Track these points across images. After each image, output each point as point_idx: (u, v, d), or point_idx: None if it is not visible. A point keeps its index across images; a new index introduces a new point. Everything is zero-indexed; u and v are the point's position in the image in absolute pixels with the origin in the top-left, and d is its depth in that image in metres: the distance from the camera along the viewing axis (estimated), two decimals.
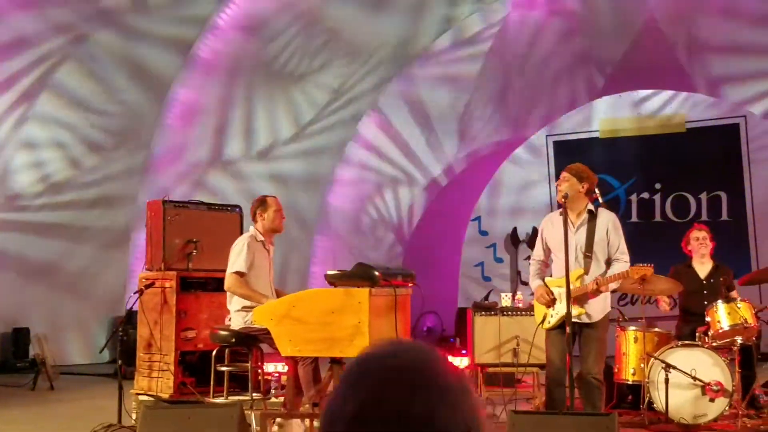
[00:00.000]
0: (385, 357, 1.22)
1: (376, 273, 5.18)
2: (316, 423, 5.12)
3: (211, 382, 6.07)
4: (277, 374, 7.23)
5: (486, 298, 11.43)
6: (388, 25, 11.01)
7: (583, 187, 5.62)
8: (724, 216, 12.14)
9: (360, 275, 5.24)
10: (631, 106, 12.66)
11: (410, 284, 5.77)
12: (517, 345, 7.15)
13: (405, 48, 11.32)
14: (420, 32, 11.23)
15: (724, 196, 12.16)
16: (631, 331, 6.96)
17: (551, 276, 5.87)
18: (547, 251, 5.84)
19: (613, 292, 10.98)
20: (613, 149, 12.68)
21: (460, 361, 9.56)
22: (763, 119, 11.77)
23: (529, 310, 6.87)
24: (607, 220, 5.72)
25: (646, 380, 6.56)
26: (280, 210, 6.21)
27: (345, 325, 5.03)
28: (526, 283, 8.65)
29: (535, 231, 9.83)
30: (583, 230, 5.65)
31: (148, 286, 6.54)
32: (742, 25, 10.75)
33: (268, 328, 5.32)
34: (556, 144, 12.93)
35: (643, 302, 7.45)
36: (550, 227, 5.80)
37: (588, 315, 5.58)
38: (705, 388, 6.39)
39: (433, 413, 1.16)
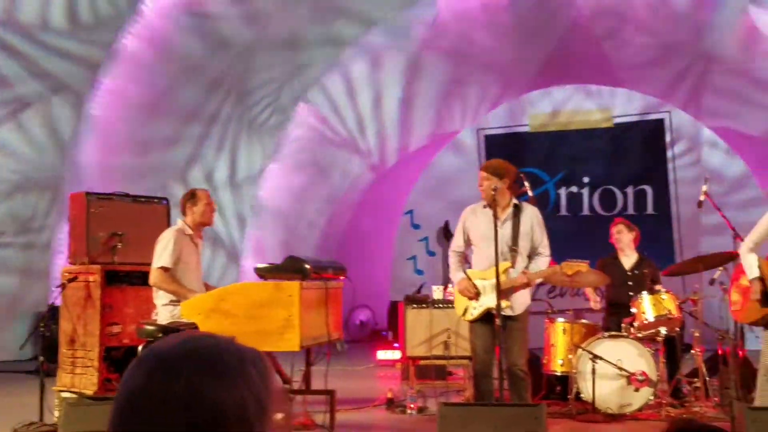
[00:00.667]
0: (165, 346, 1.27)
1: (307, 266, 5.14)
2: None
3: None
4: None
5: (419, 291, 11.44)
6: (318, 16, 10.93)
7: (505, 183, 5.66)
8: (650, 210, 12.41)
9: (290, 268, 5.18)
10: (560, 102, 12.83)
11: (341, 277, 5.74)
12: (449, 338, 7.17)
13: (336, 40, 11.25)
14: (351, 24, 11.18)
15: (649, 190, 12.43)
16: (560, 322, 7.05)
17: (470, 267, 5.89)
18: (468, 243, 5.85)
19: (542, 284, 11.18)
20: (542, 144, 12.84)
21: (392, 354, 9.61)
22: (686, 115, 12.07)
23: None
24: (531, 214, 5.77)
25: (574, 371, 6.65)
26: (210, 203, 6.10)
27: (275, 319, 4.97)
28: None
29: None
30: (509, 224, 5.68)
31: (71, 280, 6.36)
32: (668, 23, 10.99)
33: (196, 323, 5.22)
34: (487, 138, 13.03)
35: (572, 294, 7.56)
36: (473, 219, 5.80)
37: (512, 308, 5.62)
38: (630, 378, 6.51)
39: (203, 391, 1.21)
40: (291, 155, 12.19)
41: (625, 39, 11.41)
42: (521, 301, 5.71)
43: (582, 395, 6.60)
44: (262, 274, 5.27)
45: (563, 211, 12.80)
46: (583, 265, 5.69)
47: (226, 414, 1.22)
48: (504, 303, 5.52)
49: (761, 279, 5.62)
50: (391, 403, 6.97)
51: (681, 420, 2.06)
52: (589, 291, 7.48)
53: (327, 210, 12.88)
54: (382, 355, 9.93)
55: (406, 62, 11.80)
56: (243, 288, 5.47)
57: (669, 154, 12.30)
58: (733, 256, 6.70)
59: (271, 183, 11.99)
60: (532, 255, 5.74)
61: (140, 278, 6.49)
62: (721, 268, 7.04)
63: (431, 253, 12.99)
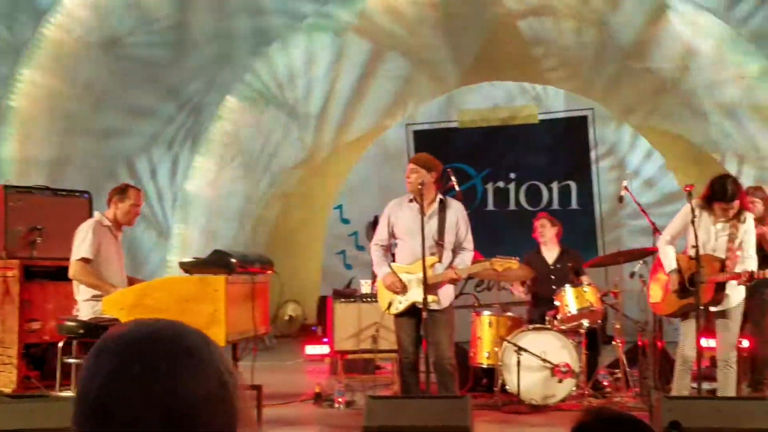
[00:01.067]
0: (124, 332, 1.25)
1: (233, 260, 5.09)
2: None
3: (58, 376, 5.79)
4: None
5: (348, 285, 11.45)
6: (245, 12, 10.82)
7: (432, 177, 5.71)
8: (574, 205, 12.65)
9: (216, 262, 5.13)
10: (488, 98, 12.98)
11: (269, 271, 5.71)
12: (377, 331, 7.21)
13: (261, 33, 11.14)
14: (278, 17, 11.08)
15: (573, 185, 12.67)
16: (486, 315, 7.14)
17: (393, 261, 5.92)
18: (392, 236, 5.89)
19: (470, 278, 11.27)
20: (470, 139, 12.97)
21: (321, 349, 9.59)
22: (609, 112, 12.34)
23: None
24: (457, 210, 5.83)
25: (500, 363, 6.76)
26: (137, 205, 5.99)
27: (201, 314, 4.92)
28: None
29: None
30: (435, 219, 5.74)
31: None
32: (591, 23, 11.20)
33: (118, 318, 5.12)
34: (416, 133, 13.10)
35: (499, 288, 7.68)
36: (398, 212, 5.84)
37: (438, 302, 5.67)
38: (554, 369, 6.64)
39: (175, 378, 1.19)
40: (218, 148, 12.05)
41: (550, 38, 11.62)
42: (447, 294, 5.77)
43: (507, 387, 6.71)
44: (187, 268, 5.21)
45: (490, 206, 12.96)
46: (513, 262, 5.79)
47: (205, 397, 1.21)
48: (431, 297, 5.57)
49: (679, 272, 5.79)
50: (318, 398, 6.97)
51: (595, 408, 2.11)
52: (515, 284, 7.61)
53: (255, 204, 12.77)
54: (311, 349, 9.91)
55: (333, 57, 11.77)
56: (167, 282, 5.40)
57: (592, 150, 12.56)
58: (651, 252, 6.89)
59: (198, 176, 11.84)
60: (456, 250, 5.80)
61: (60, 273, 6.34)
62: (640, 261, 7.24)
63: (360, 248, 12.99)
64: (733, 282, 5.60)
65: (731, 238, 5.55)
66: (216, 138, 11.81)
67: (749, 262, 5.53)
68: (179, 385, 1.19)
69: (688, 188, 5.71)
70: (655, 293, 6.11)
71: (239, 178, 12.37)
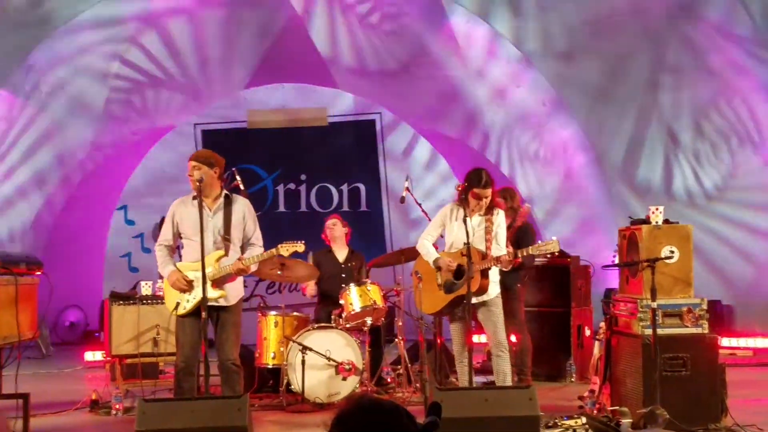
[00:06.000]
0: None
1: None
2: None
3: None
4: None
5: (133, 289, 11.04)
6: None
7: (215, 172, 5.64)
8: (363, 206, 12.94)
9: None
10: (278, 99, 12.99)
11: (37, 272, 5.38)
12: (158, 334, 7.00)
13: (46, 21, 10.49)
14: (63, 4, 10.49)
15: (362, 187, 12.96)
16: (272, 316, 7.13)
17: (182, 259, 5.80)
18: (178, 236, 5.76)
19: (261, 281, 11.20)
20: (260, 140, 12.93)
21: (101, 355, 9.16)
22: (396, 117, 12.73)
23: None
24: (243, 205, 5.79)
25: (285, 363, 6.77)
26: None
27: None
28: None
29: None
30: (221, 214, 5.67)
31: None
32: (375, 29, 11.51)
33: None
34: (205, 133, 12.88)
35: (291, 290, 7.68)
36: (183, 210, 5.73)
37: (226, 298, 5.60)
38: (338, 367, 6.74)
39: None
40: None
41: (337, 47, 11.83)
42: (235, 290, 5.70)
43: (292, 387, 6.73)
44: None
45: (281, 208, 12.99)
46: (299, 245, 5.76)
47: None
48: (218, 292, 5.50)
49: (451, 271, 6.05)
50: (95, 405, 6.68)
51: (355, 397, 2.16)
52: (308, 284, 7.62)
53: (34, 204, 12.03)
54: (90, 356, 9.46)
55: (116, 54, 11.33)
56: None
57: (380, 153, 12.89)
58: None
59: None
60: (245, 246, 5.74)
61: None
62: None
63: (146, 251, 12.56)
64: (496, 270, 6.03)
65: (488, 231, 6.00)
66: None
67: (501, 251, 5.99)
68: None
69: (460, 187, 6.03)
70: (425, 299, 6.37)
71: (14, 175, 11.63)
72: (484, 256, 5.93)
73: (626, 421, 5.45)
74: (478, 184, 5.92)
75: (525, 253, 5.96)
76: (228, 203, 5.70)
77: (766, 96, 10.10)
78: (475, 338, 7.16)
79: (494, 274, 6.08)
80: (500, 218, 6.11)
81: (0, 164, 11.32)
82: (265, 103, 12.98)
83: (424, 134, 12.75)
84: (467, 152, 12.20)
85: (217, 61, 12.09)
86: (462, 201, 6.03)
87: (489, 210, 6.02)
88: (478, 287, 5.88)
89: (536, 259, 7.66)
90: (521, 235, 7.16)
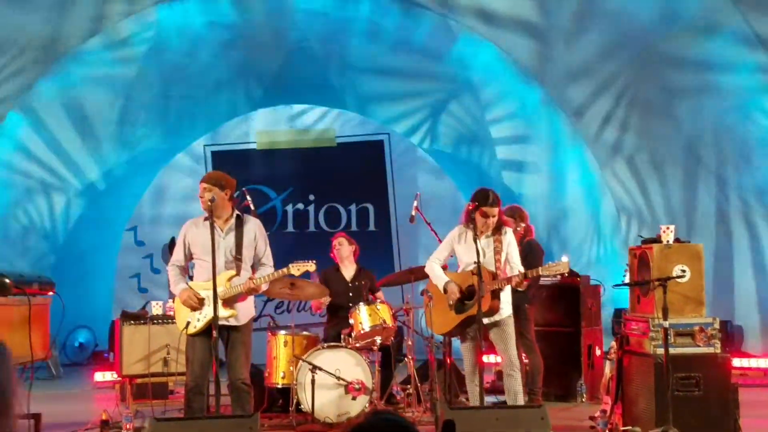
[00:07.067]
0: None
1: (7, 280, 4.78)
2: None
3: None
4: None
5: (144, 309, 11.07)
6: (34, 21, 10.24)
7: (226, 194, 5.67)
8: (372, 226, 12.96)
9: None
10: (286, 120, 13.07)
11: (49, 293, 5.41)
12: (168, 354, 7.01)
13: (54, 46, 10.59)
14: (69, 31, 10.57)
15: (371, 207, 12.99)
16: (282, 335, 7.12)
17: (193, 279, 5.81)
18: (189, 256, 5.78)
19: (269, 300, 11.19)
20: (269, 161, 12.99)
21: (111, 375, 9.16)
22: (404, 137, 12.79)
23: None
24: (254, 225, 5.82)
25: (295, 383, 6.76)
26: None
27: None
28: None
29: None
30: (232, 235, 5.69)
31: None
32: (384, 50, 11.59)
33: None
34: (215, 154, 12.94)
35: (298, 309, 7.67)
36: (194, 231, 5.75)
37: (236, 318, 5.61)
38: (348, 387, 6.73)
39: None
40: (8, 164, 11.37)
41: (347, 68, 11.92)
42: (246, 310, 5.71)
43: (302, 406, 6.72)
44: None
45: (290, 228, 13.01)
46: (310, 265, 5.78)
47: None
48: (229, 311, 5.51)
49: (460, 290, 6.04)
50: (105, 425, 6.65)
51: (371, 412, 2.17)
52: (317, 302, 7.62)
53: (45, 224, 12.10)
54: (100, 376, 9.45)
55: (131, 71, 11.41)
56: None
57: (389, 174, 12.92)
58: None
59: None
60: (255, 265, 5.76)
61: None
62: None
63: (156, 271, 12.60)
64: (507, 290, 6.03)
65: (497, 251, 6.01)
66: (2, 153, 11.16)
67: (517, 270, 6.01)
68: None
69: (470, 206, 6.04)
70: (435, 319, 6.36)
71: (29, 194, 11.72)
72: (494, 276, 5.93)
73: None
74: (485, 202, 5.95)
75: (535, 274, 5.95)
76: (239, 224, 5.73)
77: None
78: (485, 358, 7.15)
79: (506, 294, 6.07)
80: (509, 237, 6.13)
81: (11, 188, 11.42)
82: (274, 124, 13.05)
83: (432, 154, 12.78)
84: (474, 172, 12.24)
85: (226, 82, 12.16)
86: (470, 222, 6.04)
87: (497, 230, 6.05)
88: (489, 307, 5.87)
89: (546, 278, 7.65)
90: (527, 251, 7.16)
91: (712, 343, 5.80)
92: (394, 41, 11.46)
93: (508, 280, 5.90)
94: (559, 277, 7.94)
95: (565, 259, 5.95)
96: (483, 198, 5.98)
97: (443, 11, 10.67)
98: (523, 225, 7.42)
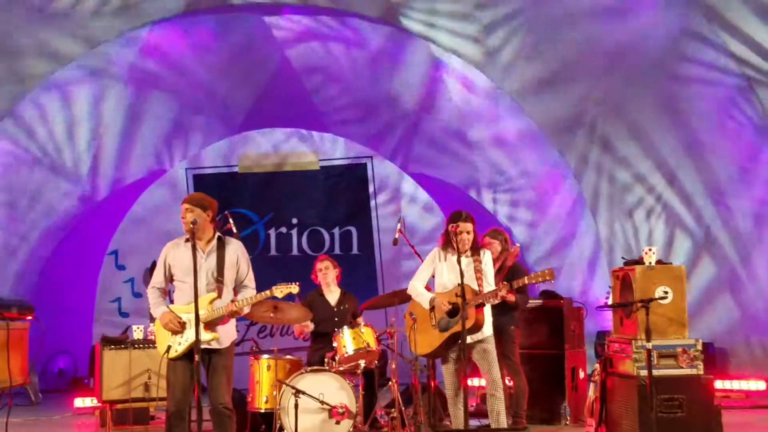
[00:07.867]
0: None
1: None
2: None
3: None
4: None
5: (124, 333, 10.96)
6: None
7: (209, 215, 5.64)
8: (355, 250, 12.94)
9: None
10: (269, 143, 13.06)
11: (28, 317, 5.34)
12: (149, 378, 6.93)
13: (32, 70, 10.48)
14: (55, 49, 10.49)
15: (354, 231, 12.97)
16: (265, 359, 7.07)
17: (174, 303, 5.76)
18: (170, 279, 5.73)
19: (253, 324, 11.12)
20: (251, 185, 12.97)
21: (91, 401, 9.06)
22: (388, 162, 12.79)
23: None
24: (236, 247, 5.78)
25: (278, 407, 6.70)
26: None
27: None
28: None
29: None
30: (214, 256, 5.65)
31: None
32: (362, 75, 11.60)
33: None
34: (197, 177, 12.91)
35: (282, 333, 7.61)
36: (175, 252, 5.70)
37: (218, 341, 5.55)
38: (332, 411, 6.68)
39: None
40: None
41: (329, 92, 11.95)
42: (228, 333, 5.66)
43: (285, 431, 6.65)
44: None
45: (273, 251, 12.98)
46: (294, 287, 5.77)
47: None
48: (211, 335, 5.46)
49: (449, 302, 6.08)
50: None
51: None
52: (300, 326, 7.58)
53: (24, 248, 11.96)
54: (80, 402, 9.34)
55: (113, 94, 11.34)
56: None
57: (372, 197, 12.93)
58: None
59: None
60: (238, 287, 5.72)
61: None
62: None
63: (137, 295, 12.51)
64: (488, 310, 6.19)
65: (477, 269, 6.17)
66: None
67: (490, 288, 6.18)
68: None
69: (453, 228, 6.07)
70: (419, 339, 6.38)
71: (3, 215, 11.57)
72: (476, 293, 6.05)
73: None
74: (458, 218, 6.20)
75: (521, 283, 6.11)
76: (221, 245, 5.69)
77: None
78: (469, 381, 7.12)
79: (488, 315, 6.14)
80: (487, 257, 6.34)
81: None
82: (257, 148, 13.04)
83: (417, 179, 12.80)
84: (462, 197, 12.25)
85: (208, 105, 12.14)
86: (447, 243, 6.24)
87: (476, 251, 6.24)
88: (474, 322, 5.96)
89: (529, 302, 7.66)
90: (513, 274, 7.17)
91: (695, 364, 5.81)
92: (376, 64, 11.48)
93: (494, 293, 5.96)
94: (541, 301, 8.01)
95: (549, 268, 6.05)
96: (456, 216, 6.25)
97: (427, 36, 10.68)
98: (515, 245, 7.56)
